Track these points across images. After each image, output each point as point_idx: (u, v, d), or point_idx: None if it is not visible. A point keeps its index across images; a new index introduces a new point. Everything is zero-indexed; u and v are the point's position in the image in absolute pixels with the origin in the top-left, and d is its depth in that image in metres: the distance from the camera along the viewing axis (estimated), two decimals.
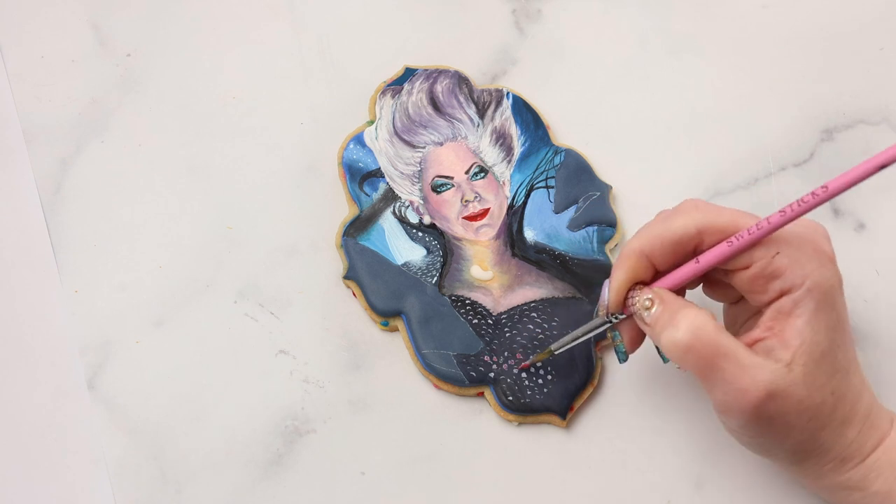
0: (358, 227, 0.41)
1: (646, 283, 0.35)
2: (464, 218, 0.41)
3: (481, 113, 0.43)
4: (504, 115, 0.43)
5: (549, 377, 0.39)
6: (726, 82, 0.46)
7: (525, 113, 0.43)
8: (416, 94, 0.43)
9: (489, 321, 0.39)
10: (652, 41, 0.47)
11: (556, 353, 0.37)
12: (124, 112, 0.44)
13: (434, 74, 0.44)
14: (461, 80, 0.44)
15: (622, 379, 0.40)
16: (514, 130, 0.43)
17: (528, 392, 0.39)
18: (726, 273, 0.34)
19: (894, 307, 0.42)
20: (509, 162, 0.43)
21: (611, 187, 0.43)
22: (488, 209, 0.41)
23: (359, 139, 0.42)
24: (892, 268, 0.42)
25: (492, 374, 0.39)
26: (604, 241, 0.41)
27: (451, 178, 0.42)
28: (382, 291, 0.40)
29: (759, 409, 0.31)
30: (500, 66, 0.46)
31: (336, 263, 0.41)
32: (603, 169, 0.43)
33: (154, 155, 0.43)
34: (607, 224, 0.42)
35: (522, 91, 0.44)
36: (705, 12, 0.47)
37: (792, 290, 0.32)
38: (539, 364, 0.39)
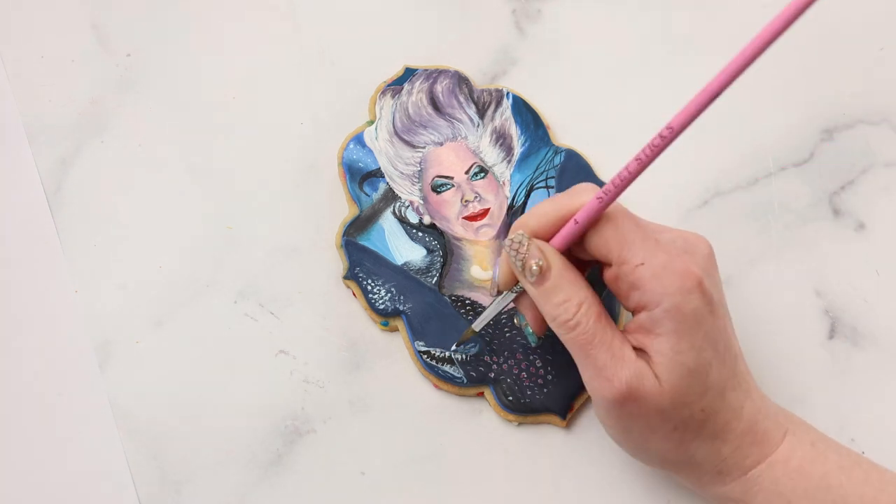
0: (358, 227, 0.41)
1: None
2: (464, 218, 0.41)
3: (481, 113, 0.43)
4: (504, 115, 0.43)
5: (549, 377, 0.39)
6: None
7: (525, 113, 0.43)
8: (416, 94, 0.43)
9: (489, 321, 0.39)
10: (652, 41, 0.47)
11: (478, 331, 0.38)
12: (124, 112, 0.44)
13: (434, 74, 0.44)
14: (461, 80, 0.44)
15: None
16: (514, 130, 0.43)
17: (528, 392, 0.39)
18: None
19: (894, 307, 0.42)
20: (509, 162, 0.42)
21: None
22: (488, 209, 0.41)
23: (359, 139, 0.42)
24: (892, 268, 0.42)
25: (492, 374, 0.39)
26: None
27: (451, 178, 0.42)
28: (382, 291, 0.40)
29: (619, 402, 0.31)
30: (500, 66, 0.46)
31: (336, 263, 0.41)
32: (603, 169, 0.43)
33: (154, 155, 0.43)
34: None
35: (522, 91, 0.44)
36: (705, 12, 0.47)
37: (648, 307, 0.31)
38: (539, 364, 0.39)
